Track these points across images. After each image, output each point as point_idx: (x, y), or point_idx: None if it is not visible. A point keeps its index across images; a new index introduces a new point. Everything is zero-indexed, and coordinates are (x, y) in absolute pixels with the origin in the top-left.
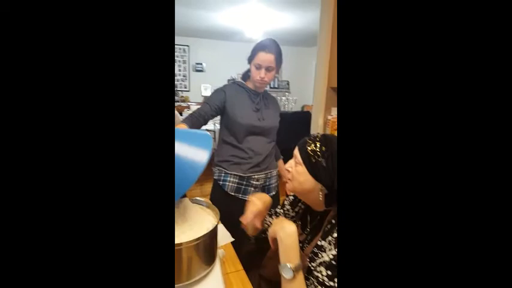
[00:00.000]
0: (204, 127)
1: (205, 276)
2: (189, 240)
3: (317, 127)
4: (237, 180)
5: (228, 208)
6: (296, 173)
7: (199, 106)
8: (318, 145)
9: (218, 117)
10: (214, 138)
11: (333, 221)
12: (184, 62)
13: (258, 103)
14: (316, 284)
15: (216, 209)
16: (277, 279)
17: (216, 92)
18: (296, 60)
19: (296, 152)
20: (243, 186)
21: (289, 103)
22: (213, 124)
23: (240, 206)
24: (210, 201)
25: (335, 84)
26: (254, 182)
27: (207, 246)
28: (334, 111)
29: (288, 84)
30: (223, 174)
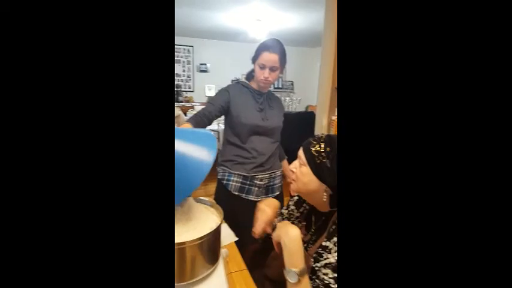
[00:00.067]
0: (208, 127)
1: (208, 275)
2: (192, 239)
3: (321, 127)
4: (240, 180)
5: (232, 207)
6: (300, 173)
7: (203, 106)
8: (323, 146)
9: (222, 118)
10: (218, 138)
11: None
12: (188, 62)
13: (262, 103)
14: (322, 286)
15: (220, 208)
16: (281, 279)
17: (220, 92)
18: (300, 60)
19: (300, 152)
20: (247, 186)
21: (293, 103)
22: (217, 124)
23: (244, 205)
24: (213, 201)
25: None
26: (258, 182)
27: (211, 245)
28: None
29: (292, 84)
30: (227, 174)
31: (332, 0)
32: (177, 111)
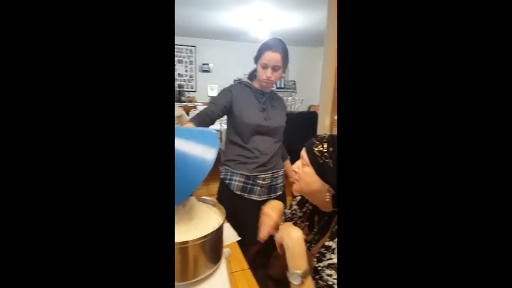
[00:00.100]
0: (210, 127)
1: (211, 274)
2: (195, 238)
3: (324, 127)
4: (243, 180)
5: (234, 207)
6: (303, 173)
7: (205, 106)
8: (325, 146)
9: (225, 117)
10: (221, 138)
11: None
12: (190, 62)
13: (264, 103)
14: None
15: (222, 207)
16: (284, 279)
17: (223, 92)
18: (303, 60)
19: (303, 152)
20: (249, 186)
21: (296, 103)
22: (220, 124)
23: (246, 205)
24: (216, 200)
25: None
26: (260, 182)
27: (213, 244)
28: None
29: (294, 84)
30: (229, 173)
31: (334, 0)
32: (180, 111)
